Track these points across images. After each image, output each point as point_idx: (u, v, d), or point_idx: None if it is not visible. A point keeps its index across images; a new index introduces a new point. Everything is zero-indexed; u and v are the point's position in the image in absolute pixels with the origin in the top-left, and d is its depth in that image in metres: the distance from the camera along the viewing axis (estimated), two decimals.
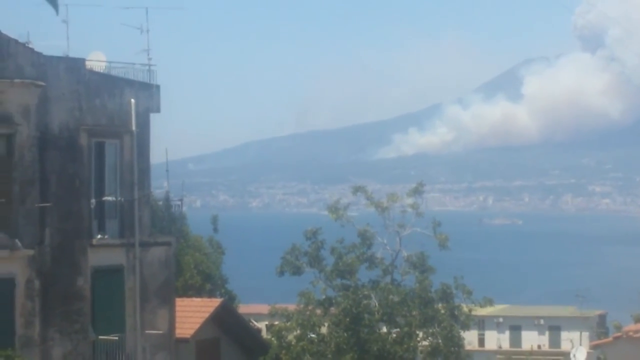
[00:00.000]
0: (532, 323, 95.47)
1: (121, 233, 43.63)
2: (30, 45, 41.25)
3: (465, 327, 63.90)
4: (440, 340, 58.49)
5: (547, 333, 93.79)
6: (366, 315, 56.82)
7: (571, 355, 67.88)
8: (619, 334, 29.55)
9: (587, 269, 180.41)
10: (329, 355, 55.77)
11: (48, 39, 46.94)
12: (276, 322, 62.79)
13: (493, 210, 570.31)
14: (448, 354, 59.10)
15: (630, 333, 25.14)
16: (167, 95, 47.13)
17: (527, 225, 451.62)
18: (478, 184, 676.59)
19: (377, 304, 57.59)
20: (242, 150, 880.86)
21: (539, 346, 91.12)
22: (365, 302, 57.37)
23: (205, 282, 65.32)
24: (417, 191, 60.43)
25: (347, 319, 56.62)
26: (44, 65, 40.39)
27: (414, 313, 57.32)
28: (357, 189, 61.67)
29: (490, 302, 70.66)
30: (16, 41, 39.91)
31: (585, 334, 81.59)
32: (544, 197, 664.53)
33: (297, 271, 59.77)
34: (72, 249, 41.98)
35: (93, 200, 42.94)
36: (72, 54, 42.77)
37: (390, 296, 57.63)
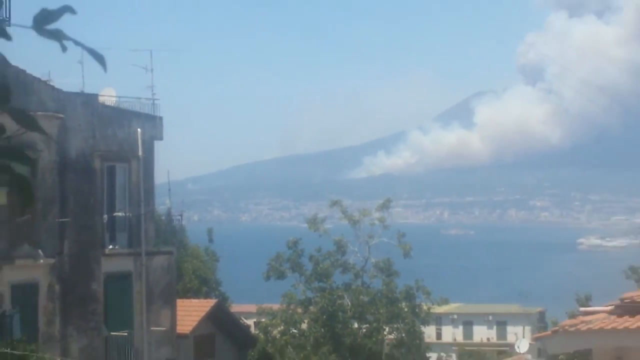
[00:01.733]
0: (482, 319, 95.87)
1: (130, 244, 44.71)
2: (51, 83, 42.04)
3: (425, 322, 65.44)
4: (403, 334, 60.01)
5: (495, 327, 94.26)
6: (340, 313, 58.00)
7: (515, 347, 68.57)
8: (556, 328, 29.65)
9: (529, 273, 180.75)
10: (309, 348, 56.71)
11: (66, 76, 47.20)
12: (263, 320, 64.00)
13: (449, 223, 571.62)
14: (410, 346, 60.41)
15: (566, 327, 25.40)
16: (169, 124, 47.78)
17: (478, 235, 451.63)
18: (436, 200, 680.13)
19: (349, 303, 58.82)
20: (233, 171, 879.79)
21: (488, 339, 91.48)
22: (339, 301, 58.59)
23: (202, 286, 66.02)
24: (384, 206, 61.99)
25: (324, 317, 57.84)
26: (63, 99, 41.56)
27: (381, 311, 58.60)
28: (333, 203, 63.81)
29: (446, 301, 71.91)
30: (39, 79, 41.07)
31: (528, 328, 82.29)
32: (492, 211, 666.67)
33: (280, 275, 61.11)
34: (88, 258, 43.04)
35: (105, 216, 44.17)
36: (87, 90, 44.02)
37: (361, 296, 58.99)
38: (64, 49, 2.49)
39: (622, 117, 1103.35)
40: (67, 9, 2.41)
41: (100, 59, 2.58)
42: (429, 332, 70.36)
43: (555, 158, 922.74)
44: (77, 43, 2.45)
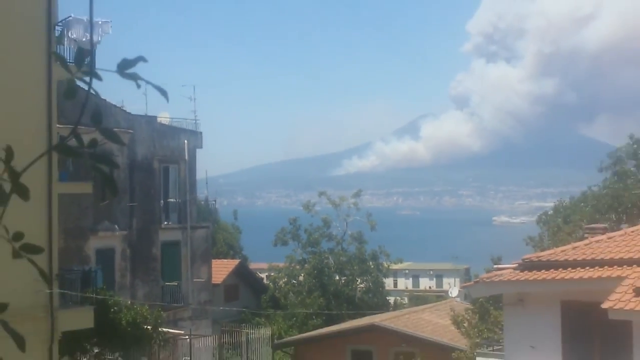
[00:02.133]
0: (426, 273, 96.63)
1: (179, 221, 45.02)
2: (124, 108, 42.21)
3: (385, 276, 65.97)
4: (370, 284, 60.16)
5: (434, 279, 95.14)
6: (326, 269, 58.56)
7: (449, 293, 68.35)
8: (477, 279, 29.65)
9: (458, 241, 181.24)
10: (304, 293, 56.97)
11: (135, 103, 47.81)
12: (272, 274, 63.95)
13: (402, 206, 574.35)
14: (375, 292, 60.74)
15: (484, 279, 25.46)
16: (207, 136, 48.40)
17: (422, 215, 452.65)
18: (393, 190, 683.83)
19: (332, 263, 59.28)
20: (251, 170, 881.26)
21: (429, 287, 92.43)
22: (325, 261, 59.20)
23: (229, 250, 66.39)
24: (356, 195, 62.56)
25: (315, 272, 58.33)
26: (132, 120, 41.88)
27: (355, 268, 59.08)
28: (321, 193, 65.15)
29: (400, 260, 72.31)
30: (116, 106, 40.97)
31: (457, 280, 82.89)
32: (432, 198, 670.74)
33: (284, 243, 61.62)
34: (149, 231, 43.42)
35: (161, 201, 44.18)
36: (149, 113, 44.03)
37: (341, 258, 59.29)
38: (138, 86, 2.53)
39: (523, 133, 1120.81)
40: (141, 59, 2.45)
41: (164, 93, 2.62)
42: (388, 283, 71.10)
43: (477, 161, 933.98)
44: (147, 82, 2.50)
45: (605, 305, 19.56)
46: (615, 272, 20.47)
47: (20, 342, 2.42)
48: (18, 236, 2.43)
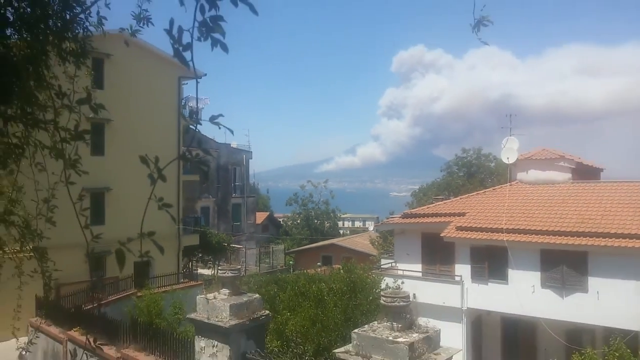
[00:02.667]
0: (358, 219, 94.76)
1: (241, 193, 44.26)
2: (214, 139, 41.50)
3: (339, 220, 64.66)
4: (331, 223, 59.85)
5: (362, 221, 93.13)
6: (310, 216, 57.43)
7: (369, 228, 67.94)
8: (382, 222, 29.57)
9: (374, 204, 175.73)
10: (299, 228, 56.37)
11: (218, 136, 47.74)
12: (285, 219, 62.81)
13: (348, 187, 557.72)
14: (334, 227, 60.21)
15: (385, 221, 25.45)
16: (254, 151, 48.09)
17: (358, 192, 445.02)
18: (355, 185, 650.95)
19: (314, 213, 58.17)
20: (276, 170, 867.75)
21: (359, 226, 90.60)
22: (311, 213, 58.02)
23: (264, 207, 65.74)
24: (326, 182, 60.95)
25: (305, 217, 57.25)
26: (219, 145, 40.91)
27: (324, 216, 58.05)
28: (308, 181, 62.37)
29: (345, 212, 71.57)
30: (208, 137, 40.17)
31: (373, 222, 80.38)
32: (363, 184, 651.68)
33: (291, 204, 60.30)
34: (226, 199, 42.80)
35: (232, 184, 43.62)
36: (227, 142, 43.67)
37: (318, 211, 58.13)
38: (220, 128, 2.60)
39: (405, 153, 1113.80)
40: (220, 115, 2.53)
41: (231, 131, 2.73)
42: (340, 225, 70.11)
43: (383, 166, 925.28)
44: (224, 127, 2.49)
45: (442, 234, 19.81)
46: (447, 218, 20.65)
47: (161, 249, 2.52)
48: (160, 199, 2.55)
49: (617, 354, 10.05)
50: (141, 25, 3.69)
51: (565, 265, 17.15)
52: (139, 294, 19.21)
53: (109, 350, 12.14)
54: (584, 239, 16.67)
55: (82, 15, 3.35)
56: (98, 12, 3.67)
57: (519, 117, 22.36)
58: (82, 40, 3.46)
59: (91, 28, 3.57)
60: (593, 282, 16.65)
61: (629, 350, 10.20)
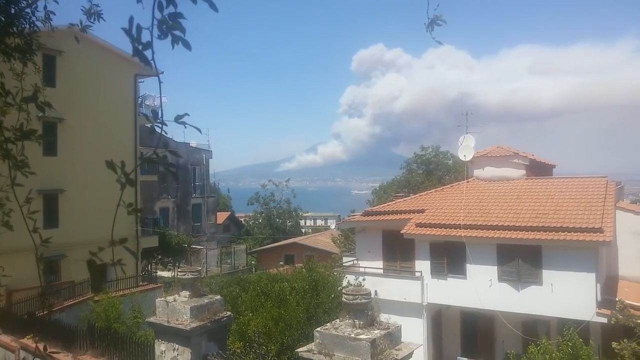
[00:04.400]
0: (319, 217, 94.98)
1: (201, 193, 43.63)
2: (173, 138, 40.80)
3: (301, 219, 64.64)
4: (293, 222, 59.39)
5: (323, 220, 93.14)
6: (272, 216, 57.05)
7: (330, 226, 68.34)
8: (343, 220, 29.66)
9: (336, 202, 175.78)
10: (261, 228, 55.98)
11: (177, 135, 46.65)
12: (246, 218, 62.28)
13: (310, 186, 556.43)
14: (296, 226, 59.86)
15: (346, 219, 25.55)
16: (214, 150, 47.21)
17: (319, 190, 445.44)
18: (317, 183, 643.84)
19: (275, 211, 57.92)
20: (237, 170, 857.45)
21: (321, 224, 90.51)
22: (273, 212, 57.67)
23: (225, 207, 64.73)
24: (287, 181, 60.80)
25: (267, 217, 56.88)
26: (178, 145, 40.16)
27: (287, 215, 57.76)
28: (270, 181, 61.41)
29: (307, 211, 71.57)
30: (170, 137, 39.53)
31: (334, 220, 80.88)
32: (325, 182, 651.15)
33: (252, 203, 59.55)
34: (186, 198, 42.02)
35: (192, 184, 42.92)
36: (185, 140, 43.04)
37: (280, 210, 57.88)
38: (185, 127, 2.54)
39: (365, 151, 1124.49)
40: (186, 114, 2.49)
41: (199, 130, 2.68)
42: (302, 224, 69.96)
43: (344, 165, 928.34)
44: (191, 125, 2.45)
45: (402, 231, 20.02)
46: (406, 215, 20.89)
47: (134, 255, 2.46)
48: (130, 205, 2.48)
49: (570, 344, 10.41)
50: (92, 20, 3.57)
51: (521, 259, 17.66)
52: (96, 298, 18.68)
53: (65, 357, 11.76)
54: (538, 233, 17.19)
55: (28, 10, 3.21)
56: (45, 7, 3.52)
57: (475, 116, 22.90)
58: (28, 36, 3.31)
59: (38, 23, 3.43)
60: (547, 274, 17.17)
61: (581, 340, 10.59)
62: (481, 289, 18.22)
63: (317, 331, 5.62)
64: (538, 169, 22.96)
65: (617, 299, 15.14)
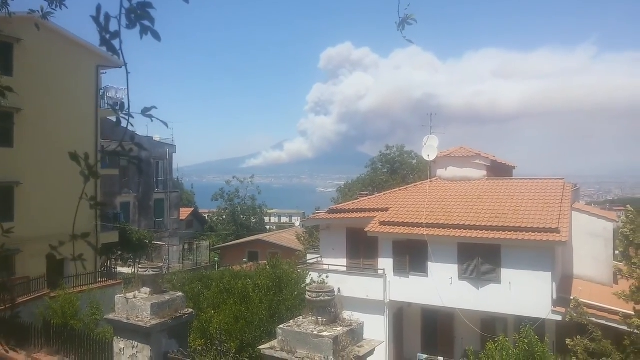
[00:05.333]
0: (284, 214, 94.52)
1: (164, 188, 42.94)
2: (136, 132, 39.77)
3: (266, 216, 64.35)
4: (257, 219, 58.78)
5: (288, 217, 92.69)
6: (237, 212, 56.38)
7: (295, 224, 68.14)
8: (308, 217, 29.65)
9: (301, 199, 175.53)
10: (225, 224, 55.47)
11: (141, 127, 45.41)
12: (210, 214, 61.44)
13: (275, 183, 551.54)
14: (260, 223, 59.35)
15: (311, 217, 25.58)
16: (178, 145, 46.43)
17: (284, 187, 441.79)
18: (282, 180, 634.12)
19: (240, 208, 57.23)
20: (200, 165, 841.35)
21: (286, 221, 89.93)
22: (237, 208, 56.95)
23: (189, 203, 63.58)
24: (252, 178, 60.51)
25: (232, 214, 56.17)
26: (141, 139, 39.33)
27: (251, 212, 57.26)
28: (234, 177, 60.66)
29: (272, 208, 71.18)
30: (133, 132, 38.43)
31: (299, 217, 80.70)
32: (291, 179, 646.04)
33: (216, 199, 58.64)
34: (148, 193, 41.33)
35: (155, 179, 42.12)
36: (149, 134, 42.14)
37: (245, 207, 57.21)
38: (152, 120, 2.52)
39: (331, 149, 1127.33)
40: (154, 107, 2.47)
41: (166, 124, 2.66)
42: (267, 221, 69.34)
43: (310, 162, 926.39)
44: (156, 118, 2.45)
45: (366, 229, 20.20)
46: (371, 214, 21.07)
47: (96, 249, 2.42)
48: (92, 198, 2.43)
49: (526, 341, 10.69)
50: (54, 7, 3.46)
51: (481, 257, 18.07)
52: (52, 294, 18.15)
53: (18, 356, 11.40)
54: (497, 232, 17.63)
55: None
56: None
57: (439, 116, 23.24)
58: None
59: None
60: (505, 273, 17.61)
61: (537, 337, 10.89)
62: (442, 287, 18.56)
63: (279, 328, 5.61)
64: (499, 170, 23.51)
65: (571, 298, 15.61)
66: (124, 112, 2.42)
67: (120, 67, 21.00)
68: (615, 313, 14.61)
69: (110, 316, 7.24)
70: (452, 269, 18.56)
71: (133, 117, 2.36)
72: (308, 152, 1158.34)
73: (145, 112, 2.33)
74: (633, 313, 12.40)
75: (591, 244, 19.28)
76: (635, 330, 11.91)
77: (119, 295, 7.34)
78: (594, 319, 14.58)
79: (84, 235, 2.38)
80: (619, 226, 16.04)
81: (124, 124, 2.37)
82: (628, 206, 14.52)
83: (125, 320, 6.95)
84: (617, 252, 19.03)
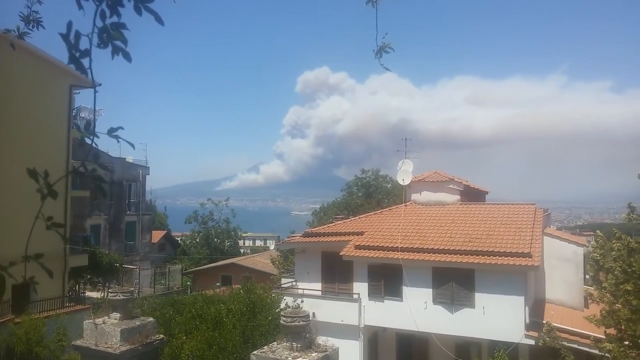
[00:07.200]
0: (259, 238, 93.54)
1: (136, 211, 42.08)
2: (109, 153, 39.18)
3: (240, 239, 63.70)
4: (232, 242, 58.20)
5: (263, 240, 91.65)
6: (210, 235, 55.66)
7: (269, 247, 67.56)
8: (282, 241, 29.47)
9: (276, 222, 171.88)
10: (198, 247, 54.70)
11: (112, 149, 44.51)
12: (183, 237, 60.46)
13: (250, 206, 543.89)
14: (234, 246, 58.87)
15: (286, 240, 25.37)
16: (152, 167, 45.62)
17: (260, 210, 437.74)
18: (257, 203, 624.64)
19: (214, 232, 56.60)
20: (175, 187, 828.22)
21: (260, 244, 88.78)
22: (211, 231, 56.28)
23: (161, 225, 62.27)
24: (227, 200, 59.92)
25: (205, 237, 55.39)
26: (113, 160, 38.51)
27: (225, 235, 56.58)
28: (209, 199, 59.82)
29: (246, 231, 70.68)
30: (104, 151, 37.91)
31: (273, 241, 79.79)
32: (265, 202, 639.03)
33: (190, 222, 57.76)
34: (119, 216, 40.46)
35: (127, 201, 41.36)
36: (121, 155, 41.42)
37: (219, 230, 56.53)
38: (118, 141, 2.47)
39: (308, 172, 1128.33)
40: (120, 128, 2.43)
41: (132, 145, 2.62)
42: (241, 244, 68.74)
43: (285, 185, 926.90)
44: (124, 140, 2.38)
45: (341, 253, 20.15)
46: (346, 237, 21.05)
47: (50, 273, 2.35)
48: (49, 218, 2.38)
49: None
50: (30, 27, 3.42)
51: (455, 282, 18.15)
52: (17, 320, 17.53)
53: None
54: (471, 257, 17.77)
55: None
56: None
57: (414, 141, 23.50)
58: None
59: None
60: (479, 297, 17.71)
61: None
62: (416, 311, 18.54)
63: (254, 354, 5.52)
64: (472, 195, 23.84)
65: (544, 322, 15.77)
66: (89, 132, 2.38)
67: (96, 87, 20.70)
68: (587, 337, 14.76)
69: (78, 342, 7.03)
70: (427, 294, 18.58)
71: (98, 137, 2.33)
72: (284, 175, 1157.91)
73: (111, 132, 2.29)
74: (604, 337, 12.58)
75: (562, 268, 19.57)
76: (607, 354, 12.07)
77: (87, 321, 7.14)
78: (566, 343, 14.73)
79: (37, 256, 2.30)
80: (589, 251, 16.34)
81: (88, 144, 2.33)
82: (598, 231, 14.81)
83: (93, 347, 6.76)
84: (587, 276, 19.32)
